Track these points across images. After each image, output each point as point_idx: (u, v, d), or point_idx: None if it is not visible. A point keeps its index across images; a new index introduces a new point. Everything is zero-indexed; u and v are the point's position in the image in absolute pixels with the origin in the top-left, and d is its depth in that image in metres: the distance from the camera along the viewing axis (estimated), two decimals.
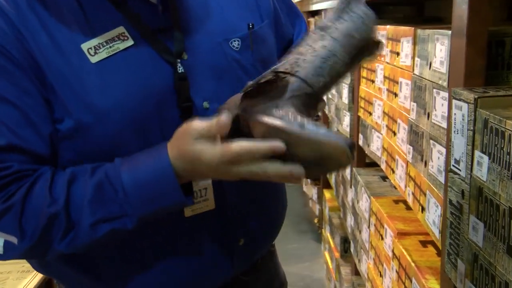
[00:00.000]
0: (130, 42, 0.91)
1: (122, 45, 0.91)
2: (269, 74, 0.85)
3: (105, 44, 0.90)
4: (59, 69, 0.88)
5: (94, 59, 0.89)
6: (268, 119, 0.82)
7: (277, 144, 0.78)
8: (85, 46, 0.89)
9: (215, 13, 1.03)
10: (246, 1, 1.09)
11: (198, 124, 0.83)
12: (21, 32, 0.87)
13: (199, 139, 0.83)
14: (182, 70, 0.94)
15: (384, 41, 1.62)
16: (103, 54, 0.90)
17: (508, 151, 0.73)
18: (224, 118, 0.81)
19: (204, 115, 0.92)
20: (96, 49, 0.89)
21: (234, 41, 1.01)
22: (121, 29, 0.91)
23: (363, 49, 0.93)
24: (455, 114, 0.93)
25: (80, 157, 0.91)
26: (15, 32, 0.87)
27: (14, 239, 0.85)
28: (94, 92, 0.89)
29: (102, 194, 0.86)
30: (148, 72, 0.92)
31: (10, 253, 0.87)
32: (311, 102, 0.89)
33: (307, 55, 0.89)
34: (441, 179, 1.09)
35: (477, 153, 0.84)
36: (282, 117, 0.82)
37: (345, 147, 0.77)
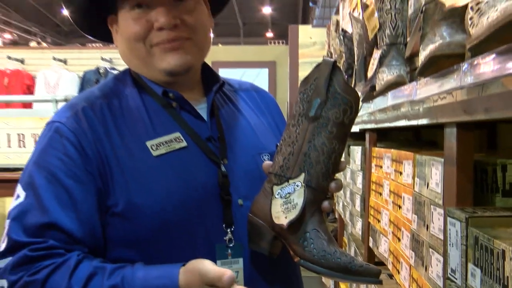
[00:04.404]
0: (184, 144, 0.96)
1: (177, 145, 0.95)
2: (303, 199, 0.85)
3: (164, 143, 0.95)
4: (125, 162, 0.92)
5: (155, 153, 0.93)
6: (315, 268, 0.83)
7: None
8: (149, 143, 0.94)
9: (247, 131, 1.08)
10: (271, 126, 1.14)
11: (210, 270, 0.81)
12: (100, 136, 0.93)
13: (209, 287, 0.81)
14: (225, 170, 0.96)
15: (389, 162, 1.62)
16: (162, 150, 0.94)
17: (498, 267, 0.70)
18: (228, 277, 0.79)
19: (239, 210, 0.95)
20: (157, 146, 0.94)
21: (265, 155, 1.04)
22: (177, 134, 0.97)
23: (351, 127, 0.90)
24: (449, 229, 0.90)
25: (134, 238, 0.90)
26: (95, 136, 0.93)
27: None
28: (154, 178, 0.92)
29: None
30: (197, 167, 0.96)
31: None
32: (323, 197, 0.89)
33: (311, 155, 0.86)
34: (440, 283, 1.04)
35: (470, 265, 0.80)
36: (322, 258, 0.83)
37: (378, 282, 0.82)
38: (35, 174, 0.90)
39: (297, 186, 0.85)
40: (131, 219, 0.90)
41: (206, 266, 0.81)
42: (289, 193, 0.86)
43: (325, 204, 0.89)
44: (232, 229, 0.95)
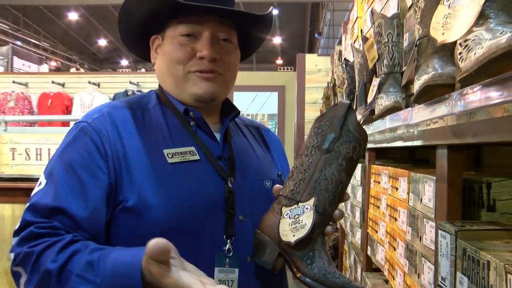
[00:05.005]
0: (197, 157, 0.96)
1: (191, 157, 0.95)
2: (311, 219, 0.85)
3: (179, 153, 0.95)
4: (142, 163, 0.91)
5: (170, 160, 0.93)
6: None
7: None
8: (165, 151, 0.94)
9: (253, 159, 1.08)
10: (273, 159, 1.16)
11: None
12: (122, 137, 0.93)
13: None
14: (231, 186, 0.96)
15: (386, 178, 1.61)
16: (177, 159, 0.94)
17: (483, 276, 0.70)
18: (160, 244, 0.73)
19: (239, 225, 0.95)
20: (173, 155, 0.94)
21: (267, 181, 1.04)
22: (192, 148, 0.97)
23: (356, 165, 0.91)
24: (441, 241, 0.90)
25: (139, 233, 0.87)
26: (117, 137, 0.93)
27: (24, 279, 0.82)
28: (167, 182, 0.91)
29: (86, 272, 0.78)
30: (207, 180, 0.95)
31: None
32: (328, 222, 0.89)
33: (321, 183, 0.87)
34: None
35: (458, 274, 0.80)
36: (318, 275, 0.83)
37: None
38: (57, 166, 0.91)
39: (307, 208, 0.85)
40: (140, 216, 0.89)
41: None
42: (298, 214, 0.86)
43: (328, 228, 0.89)
44: (232, 240, 0.94)
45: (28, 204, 0.89)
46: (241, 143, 1.09)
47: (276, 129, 7.38)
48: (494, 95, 0.65)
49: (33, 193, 0.91)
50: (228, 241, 0.93)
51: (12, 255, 0.85)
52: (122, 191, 0.90)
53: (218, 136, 1.03)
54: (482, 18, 0.71)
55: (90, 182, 0.89)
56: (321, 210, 0.86)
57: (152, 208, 0.89)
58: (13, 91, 5.44)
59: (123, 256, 0.79)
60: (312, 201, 0.86)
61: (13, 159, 2.85)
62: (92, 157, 0.91)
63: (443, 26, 0.80)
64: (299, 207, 0.87)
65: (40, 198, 0.88)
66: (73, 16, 13.82)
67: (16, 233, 0.86)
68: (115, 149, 0.92)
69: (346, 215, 2.65)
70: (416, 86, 1.02)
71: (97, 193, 0.89)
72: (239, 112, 1.10)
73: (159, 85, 1.08)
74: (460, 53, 0.74)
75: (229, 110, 1.09)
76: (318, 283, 0.82)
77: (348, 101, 0.91)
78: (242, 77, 7.13)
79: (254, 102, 7.80)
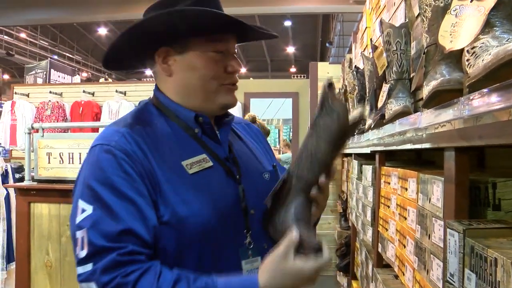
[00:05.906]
0: (210, 164, 0.98)
1: (206, 165, 0.97)
2: (281, 178, 0.94)
3: (196, 163, 0.96)
4: (168, 177, 0.92)
5: (190, 171, 0.95)
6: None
7: None
8: (184, 163, 0.95)
9: (250, 155, 1.11)
10: (265, 151, 1.19)
11: (279, 248, 0.86)
12: (147, 154, 0.92)
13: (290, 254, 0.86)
14: (242, 185, 1.00)
15: (396, 179, 1.59)
16: (195, 169, 0.95)
17: (491, 272, 0.68)
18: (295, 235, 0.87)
19: (251, 218, 0.99)
20: (191, 166, 0.95)
21: (266, 173, 1.08)
22: (203, 156, 0.98)
23: (343, 135, 0.91)
24: (449, 239, 0.88)
25: (177, 244, 0.89)
26: (143, 155, 0.92)
27: None
28: (193, 192, 0.92)
29: None
30: (222, 183, 0.98)
31: None
32: (310, 187, 0.93)
33: (303, 154, 0.92)
34: (440, 285, 1.01)
35: (466, 271, 0.78)
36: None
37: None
38: (100, 190, 0.87)
39: (285, 174, 0.93)
40: (174, 229, 0.89)
41: (276, 251, 0.87)
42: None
43: (313, 191, 0.93)
44: (250, 233, 0.98)
45: (83, 230, 0.85)
46: (237, 143, 1.11)
47: (291, 133, 7.36)
48: (500, 100, 0.64)
49: (80, 219, 0.86)
50: (248, 234, 0.97)
51: (92, 285, 0.81)
52: (159, 207, 0.90)
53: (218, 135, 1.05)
54: (488, 26, 0.69)
55: (141, 201, 0.87)
56: (299, 175, 0.91)
57: (184, 220, 0.89)
58: (49, 100, 5.56)
59: (235, 282, 0.85)
60: (289, 167, 0.94)
61: (49, 162, 2.90)
62: (132, 177, 0.89)
63: (450, 34, 0.78)
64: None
65: (99, 223, 0.84)
66: (102, 31, 14.16)
67: (87, 259, 0.83)
68: (146, 168, 0.90)
69: (357, 214, 2.63)
70: (425, 92, 1.01)
71: (150, 210, 0.88)
72: (233, 116, 1.12)
73: (156, 96, 1.05)
74: (467, 60, 0.73)
75: (223, 114, 1.09)
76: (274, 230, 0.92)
77: (328, 80, 0.92)
78: (258, 84, 7.16)
79: (269, 108, 7.81)
